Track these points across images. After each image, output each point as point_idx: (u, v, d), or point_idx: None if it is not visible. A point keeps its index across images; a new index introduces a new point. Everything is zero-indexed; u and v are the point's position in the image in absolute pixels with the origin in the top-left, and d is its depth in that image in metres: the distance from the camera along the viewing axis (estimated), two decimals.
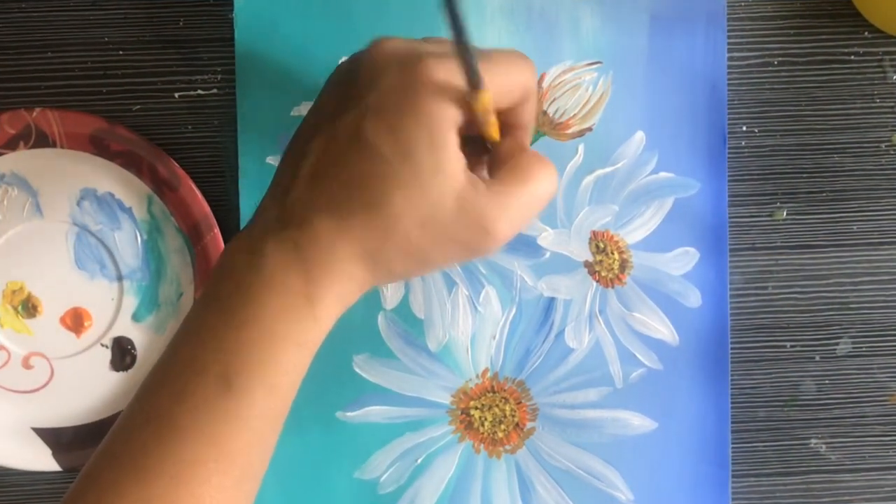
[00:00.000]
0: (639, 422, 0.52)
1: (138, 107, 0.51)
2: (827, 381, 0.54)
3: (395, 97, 0.37)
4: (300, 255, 0.37)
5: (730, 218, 0.52)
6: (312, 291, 0.37)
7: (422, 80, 0.37)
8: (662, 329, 0.52)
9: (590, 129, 0.52)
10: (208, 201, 0.50)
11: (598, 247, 0.52)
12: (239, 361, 0.36)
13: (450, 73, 0.37)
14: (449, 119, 0.37)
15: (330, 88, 0.41)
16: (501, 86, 0.38)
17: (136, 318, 0.51)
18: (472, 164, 0.40)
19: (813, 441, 0.54)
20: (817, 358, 0.54)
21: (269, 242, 0.38)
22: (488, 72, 0.37)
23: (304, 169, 0.38)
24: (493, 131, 0.40)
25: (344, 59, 0.40)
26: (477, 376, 0.52)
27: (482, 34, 0.51)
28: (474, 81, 0.36)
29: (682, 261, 0.52)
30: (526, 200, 0.39)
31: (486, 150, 0.42)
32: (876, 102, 0.53)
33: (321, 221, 0.37)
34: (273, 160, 0.51)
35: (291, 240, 0.37)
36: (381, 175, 0.37)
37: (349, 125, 0.37)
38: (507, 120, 0.41)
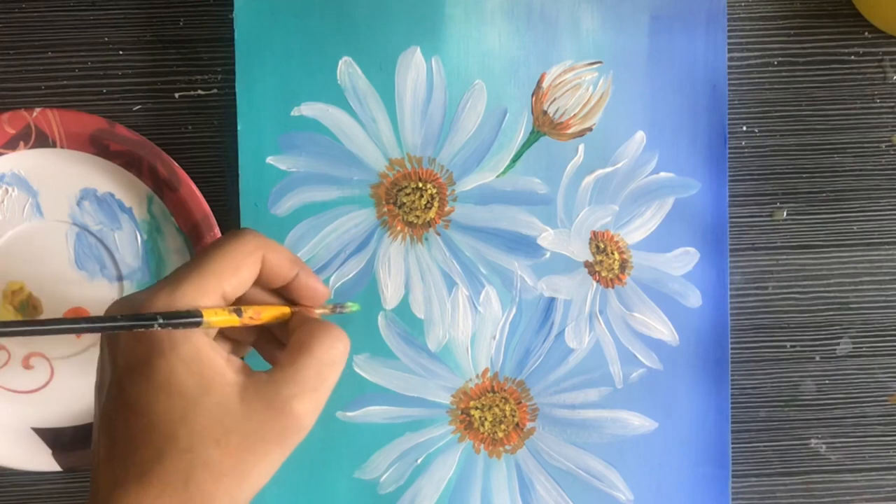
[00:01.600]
0: (639, 422, 0.52)
1: (138, 107, 0.51)
2: (827, 381, 0.54)
3: (135, 345, 0.36)
4: None
5: (730, 218, 0.52)
6: None
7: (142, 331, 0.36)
8: (662, 329, 0.52)
9: (590, 128, 0.52)
10: (208, 201, 0.50)
11: (598, 247, 0.52)
12: None
13: (168, 300, 0.36)
14: (192, 345, 0.36)
15: (97, 370, 0.40)
16: (229, 281, 0.37)
17: None
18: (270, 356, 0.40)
19: (813, 441, 0.54)
20: (817, 358, 0.54)
21: None
22: (202, 281, 0.37)
23: (99, 451, 0.37)
24: (261, 313, 0.39)
25: None
26: (477, 376, 0.52)
27: (482, 34, 0.51)
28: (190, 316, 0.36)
29: (683, 261, 0.52)
30: (313, 371, 0.37)
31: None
32: (876, 102, 0.53)
33: (124, 496, 0.36)
34: (273, 160, 0.51)
35: None
36: (156, 421, 0.36)
37: (113, 394, 0.37)
38: (276, 285, 0.40)
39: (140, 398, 0.36)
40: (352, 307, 0.46)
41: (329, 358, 0.38)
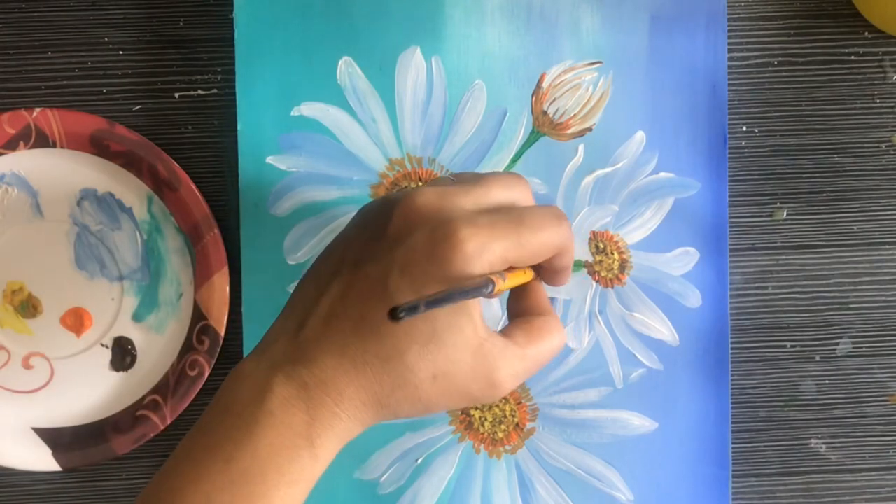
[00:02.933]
0: (639, 422, 0.52)
1: (138, 107, 0.51)
2: (827, 381, 0.54)
3: (423, 258, 0.37)
4: (307, 394, 0.37)
5: (730, 218, 0.52)
6: (315, 432, 0.37)
7: (450, 247, 0.37)
8: (662, 329, 0.52)
9: (590, 129, 0.52)
10: (208, 201, 0.50)
11: (597, 247, 0.52)
12: (228, 497, 0.36)
13: (479, 241, 0.37)
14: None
15: (357, 230, 0.41)
16: (534, 254, 0.39)
17: (136, 318, 0.51)
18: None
19: (813, 441, 0.54)
20: (817, 358, 0.54)
21: (277, 377, 0.37)
22: (521, 241, 0.38)
23: (320, 308, 0.38)
24: (515, 283, 0.41)
25: (375, 198, 0.41)
26: None
27: (482, 34, 0.51)
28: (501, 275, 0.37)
29: (682, 261, 0.52)
30: (531, 362, 0.40)
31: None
32: (876, 102, 0.53)
33: (332, 365, 0.37)
34: (273, 160, 0.51)
35: (300, 378, 0.37)
36: (397, 329, 0.37)
37: (372, 275, 0.38)
38: (542, 263, 0.41)
39: (404, 293, 0.37)
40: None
41: (549, 353, 0.41)
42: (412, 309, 0.33)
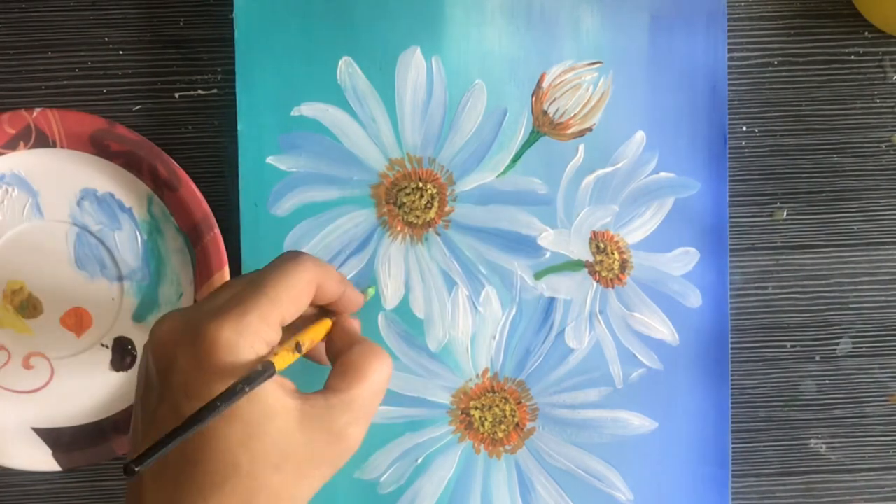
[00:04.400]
0: (639, 422, 0.52)
1: (138, 107, 0.51)
2: (827, 381, 0.54)
3: (196, 376, 0.36)
4: None
5: (730, 218, 0.52)
6: None
7: (214, 355, 0.36)
8: (663, 329, 0.52)
9: (590, 129, 0.52)
10: (208, 201, 0.50)
11: (598, 247, 0.52)
12: None
13: (235, 330, 0.36)
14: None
15: (138, 391, 0.39)
16: (295, 304, 0.38)
17: (136, 318, 0.51)
18: (316, 356, 0.40)
19: (813, 441, 0.54)
20: (817, 358, 0.54)
21: None
22: (272, 299, 0.37)
23: (146, 471, 0.37)
24: (314, 339, 0.40)
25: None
26: (477, 376, 0.52)
27: (482, 34, 0.51)
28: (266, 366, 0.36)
29: (683, 261, 0.52)
30: (367, 398, 0.38)
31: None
32: (876, 102, 0.53)
33: None
34: (273, 160, 0.51)
35: None
36: (218, 447, 0.36)
37: (167, 416, 0.36)
38: (321, 304, 0.41)
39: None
40: (370, 292, 0.49)
41: (379, 385, 0.39)
42: (146, 455, 0.32)
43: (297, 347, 0.38)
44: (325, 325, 0.41)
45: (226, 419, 0.35)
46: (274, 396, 0.36)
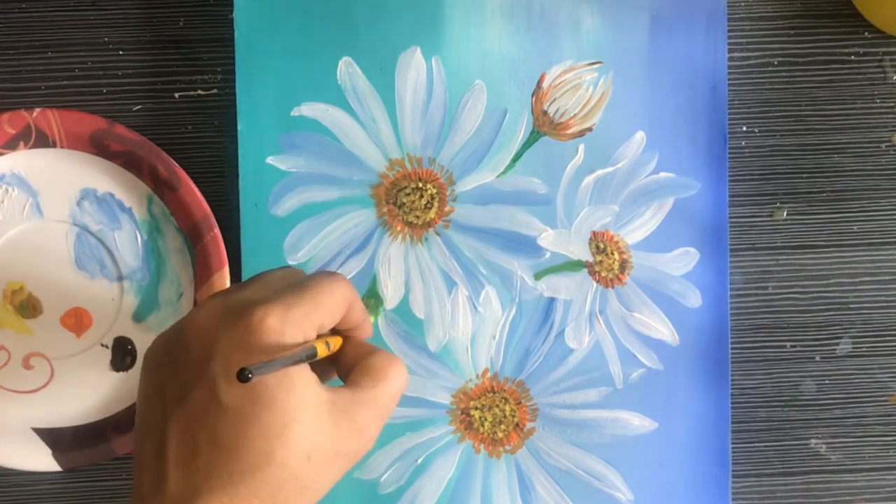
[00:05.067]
0: (639, 422, 0.52)
1: (138, 107, 0.51)
2: (827, 381, 0.54)
3: (239, 354, 0.36)
4: None
5: (730, 218, 0.52)
6: None
7: (256, 330, 0.36)
8: (662, 329, 0.52)
9: (590, 129, 0.52)
10: (208, 201, 0.50)
11: (598, 247, 0.52)
12: None
13: (277, 314, 0.37)
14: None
15: (155, 372, 0.39)
16: (331, 312, 0.39)
17: (136, 318, 0.51)
18: (321, 373, 0.41)
19: (813, 441, 0.54)
20: (817, 358, 0.54)
21: None
22: (314, 301, 0.38)
23: (171, 457, 0.37)
24: (335, 346, 0.42)
25: (159, 335, 0.40)
26: (477, 376, 0.52)
27: (482, 34, 0.51)
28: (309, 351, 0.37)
29: (683, 261, 0.52)
30: (388, 397, 0.39)
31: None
32: (876, 102, 0.53)
33: (209, 502, 0.36)
34: (273, 160, 0.51)
35: None
36: (252, 434, 0.36)
37: (203, 400, 0.36)
38: (342, 327, 0.42)
39: (242, 409, 0.36)
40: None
41: (399, 388, 0.40)
42: (258, 368, 0.33)
43: (327, 345, 0.40)
44: (339, 340, 0.42)
45: (265, 406, 0.36)
46: (310, 387, 0.37)
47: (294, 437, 0.36)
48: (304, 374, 0.37)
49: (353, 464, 0.39)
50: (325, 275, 0.40)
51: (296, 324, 0.37)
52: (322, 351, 0.39)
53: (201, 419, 0.36)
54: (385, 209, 0.51)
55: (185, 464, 0.36)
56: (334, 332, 0.42)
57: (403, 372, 0.40)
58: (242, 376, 0.33)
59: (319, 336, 0.39)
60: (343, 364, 0.41)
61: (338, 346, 0.42)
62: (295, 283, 0.39)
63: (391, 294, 0.51)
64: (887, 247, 0.53)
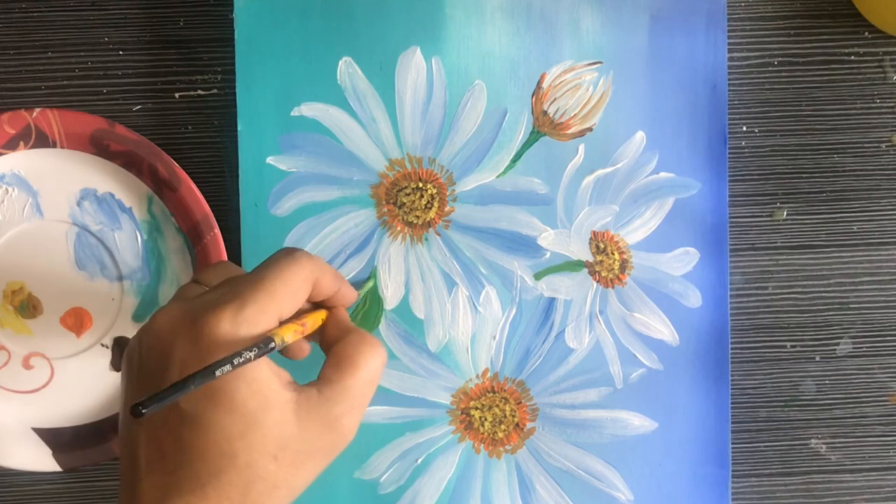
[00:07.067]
0: (639, 422, 0.52)
1: (138, 107, 0.51)
2: (827, 381, 0.54)
3: (194, 364, 0.36)
4: None
5: (730, 218, 0.52)
6: None
7: (210, 341, 0.36)
8: (663, 329, 0.52)
9: (590, 129, 0.52)
10: (208, 201, 0.50)
11: (598, 247, 0.52)
12: None
13: (233, 320, 0.36)
14: (252, 365, 0.37)
15: (127, 379, 0.39)
16: (293, 297, 0.38)
17: (136, 318, 0.51)
18: (298, 350, 0.41)
19: (813, 441, 0.54)
20: (817, 358, 0.54)
21: None
22: (270, 292, 0.37)
23: (142, 462, 0.37)
24: (313, 326, 0.41)
25: (132, 341, 0.40)
26: (477, 376, 0.52)
27: (482, 34, 0.51)
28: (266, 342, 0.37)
29: (683, 261, 0.52)
30: (360, 388, 0.39)
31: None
32: (876, 102, 0.53)
33: None
34: (273, 160, 0.51)
35: None
36: (214, 438, 0.36)
37: (153, 418, 0.36)
38: (316, 300, 0.41)
39: (201, 414, 0.36)
40: (369, 285, 0.49)
41: (371, 375, 0.39)
42: (154, 398, 0.33)
43: (302, 327, 0.39)
44: (321, 314, 0.41)
45: (224, 410, 0.36)
46: (271, 388, 0.37)
47: (257, 439, 0.36)
48: (263, 376, 0.37)
49: (332, 459, 0.39)
50: (281, 259, 0.39)
51: (250, 322, 0.37)
52: (291, 337, 0.38)
53: (164, 425, 0.37)
54: (385, 209, 0.51)
55: (154, 469, 0.37)
56: (318, 305, 0.42)
57: (376, 357, 0.39)
58: (135, 412, 0.32)
59: (285, 322, 0.39)
60: (325, 342, 0.41)
61: (319, 323, 0.41)
62: (252, 277, 0.38)
63: (391, 294, 0.51)
64: (887, 247, 0.53)
